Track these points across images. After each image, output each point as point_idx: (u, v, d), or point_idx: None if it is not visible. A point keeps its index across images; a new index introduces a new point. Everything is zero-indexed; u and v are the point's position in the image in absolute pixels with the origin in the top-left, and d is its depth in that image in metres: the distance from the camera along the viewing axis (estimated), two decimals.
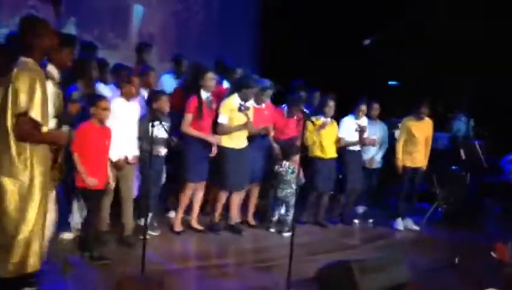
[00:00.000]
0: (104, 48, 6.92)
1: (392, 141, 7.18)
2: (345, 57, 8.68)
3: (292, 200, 6.14)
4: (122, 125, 4.89)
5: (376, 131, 7.02)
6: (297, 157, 6.13)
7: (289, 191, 6.15)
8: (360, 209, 7.16)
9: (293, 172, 6.13)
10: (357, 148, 6.82)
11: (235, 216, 6.07)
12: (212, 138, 5.61)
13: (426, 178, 7.24)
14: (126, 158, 4.95)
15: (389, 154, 7.09)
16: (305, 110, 6.30)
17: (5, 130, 3.16)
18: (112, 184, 4.78)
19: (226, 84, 6.43)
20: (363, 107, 6.73)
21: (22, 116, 3.14)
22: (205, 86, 5.56)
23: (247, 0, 10.31)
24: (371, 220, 7.05)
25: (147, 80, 5.67)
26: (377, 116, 7.08)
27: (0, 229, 3.21)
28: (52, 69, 3.75)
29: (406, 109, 7.27)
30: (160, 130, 5.10)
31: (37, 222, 3.30)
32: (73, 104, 4.15)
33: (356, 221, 7.00)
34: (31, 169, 3.24)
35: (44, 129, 3.28)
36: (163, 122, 4.77)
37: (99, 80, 5.41)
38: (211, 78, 5.57)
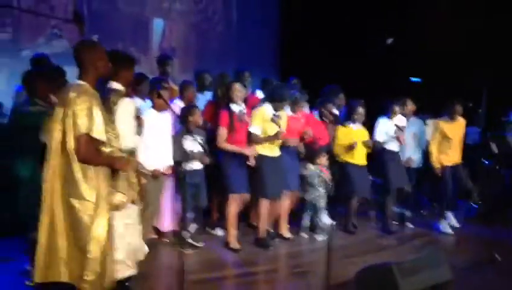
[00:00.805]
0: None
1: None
2: (365, 57, 8.64)
3: (321, 203, 6.08)
4: (155, 136, 4.91)
5: (413, 129, 6.84)
6: (323, 160, 6.10)
7: (317, 195, 6.09)
8: (397, 209, 7.00)
9: (319, 175, 6.08)
10: (395, 148, 6.58)
11: (269, 223, 5.96)
12: (247, 151, 5.51)
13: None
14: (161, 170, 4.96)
15: (425, 154, 6.94)
16: (334, 112, 6.23)
17: (69, 154, 3.25)
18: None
19: (260, 94, 6.40)
20: (396, 108, 6.56)
21: (83, 137, 3.22)
22: (233, 98, 5.51)
23: (266, 9, 10.33)
24: (411, 226, 6.85)
25: (187, 96, 5.69)
26: (413, 113, 6.92)
27: (76, 249, 3.30)
28: (120, 86, 3.80)
29: (430, 105, 7.19)
30: (195, 144, 5.16)
31: (107, 240, 3.36)
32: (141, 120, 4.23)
33: (395, 222, 6.80)
34: (97, 189, 3.31)
35: (106, 150, 3.38)
36: (197, 136, 4.77)
37: (135, 95, 5.43)
38: (238, 89, 5.52)
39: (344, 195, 6.45)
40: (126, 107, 3.70)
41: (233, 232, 5.56)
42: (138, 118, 4.28)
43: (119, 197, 3.61)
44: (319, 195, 6.09)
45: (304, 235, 6.17)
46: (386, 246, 5.98)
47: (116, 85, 3.81)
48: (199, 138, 4.95)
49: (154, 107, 5.01)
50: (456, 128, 6.70)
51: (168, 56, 6.90)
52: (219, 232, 6.03)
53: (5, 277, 4.37)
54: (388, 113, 6.59)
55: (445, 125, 6.66)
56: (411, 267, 4.03)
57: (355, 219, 6.67)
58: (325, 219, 6.12)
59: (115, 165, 3.48)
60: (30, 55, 7.07)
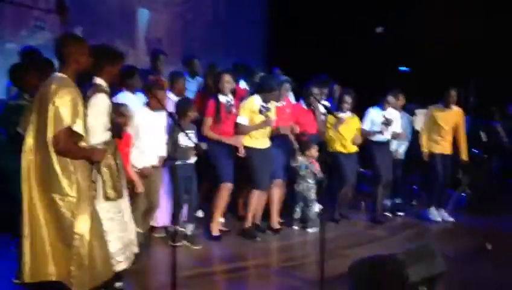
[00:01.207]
0: None
1: (411, 129, 7.04)
2: (354, 46, 8.60)
3: (311, 195, 6.07)
4: (148, 134, 4.81)
5: (402, 122, 6.84)
6: (313, 152, 6.05)
7: (305, 186, 6.08)
8: (388, 202, 7.01)
9: (306, 167, 6.05)
10: (384, 139, 6.57)
11: (259, 216, 5.95)
12: (232, 140, 5.52)
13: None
14: (152, 166, 4.86)
15: (412, 144, 6.93)
16: (325, 103, 6.17)
17: (47, 146, 3.18)
18: (140, 190, 4.68)
19: (242, 85, 6.32)
20: (391, 99, 6.54)
21: (64, 130, 3.16)
22: (222, 89, 5.48)
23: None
24: (401, 213, 6.90)
25: (177, 87, 5.61)
26: (401, 107, 6.91)
27: (61, 245, 3.25)
28: (102, 82, 3.70)
29: (418, 95, 7.18)
30: (189, 140, 5.02)
31: (93, 234, 3.30)
32: (123, 116, 4.13)
33: (388, 214, 6.84)
34: (77, 184, 3.26)
35: (83, 144, 3.32)
36: (188, 131, 4.68)
37: (126, 88, 5.32)
38: (227, 80, 5.49)
39: (335, 185, 6.44)
40: (98, 102, 3.57)
41: (218, 220, 5.59)
42: (122, 115, 4.20)
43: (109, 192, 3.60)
44: (308, 187, 6.07)
45: (296, 227, 6.14)
46: (377, 238, 5.97)
47: (99, 80, 3.71)
48: (190, 132, 4.86)
49: (148, 105, 4.90)
50: (449, 116, 6.68)
51: (162, 51, 6.74)
52: (200, 214, 6.01)
53: None
54: (380, 104, 6.58)
55: (438, 113, 6.66)
56: (405, 259, 3.99)
57: (346, 209, 6.67)
58: (316, 210, 6.09)
59: (93, 157, 3.43)
60: (13, 48, 6.96)
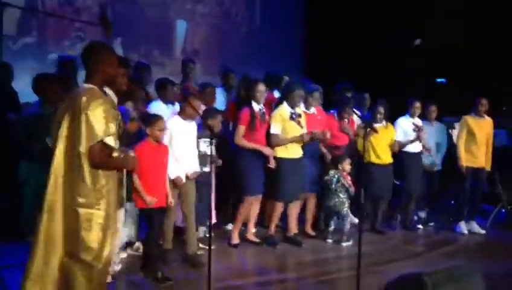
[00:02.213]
0: (150, 65, 6.92)
1: (449, 142, 6.92)
2: (393, 57, 8.52)
3: (343, 209, 6.00)
4: (181, 143, 4.87)
5: (434, 133, 6.76)
6: (345, 166, 6.00)
7: (337, 201, 6.01)
8: (422, 214, 6.91)
9: (338, 181, 5.98)
10: (416, 150, 6.54)
11: (293, 228, 5.95)
12: (266, 150, 5.53)
13: (488, 178, 6.93)
14: (186, 176, 4.91)
15: (448, 156, 6.82)
16: (357, 112, 6.12)
17: (79, 159, 3.11)
18: (172, 201, 4.73)
19: (277, 94, 6.34)
20: (417, 105, 6.53)
21: (97, 144, 3.10)
22: (256, 98, 5.51)
23: (289, 10, 10.25)
24: (431, 224, 6.83)
25: (207, 98, 5.66)
26: (435, 118, 6.83)
27: (75, 258, 3.18)
28: (109, 92, 3.74)
29: (456, 107, 7.04)
30: (208, 147, 5.13)
31: (112, 245, 3.31)
32: (132, 123, 4.12)
33: (420, 226, 6.77)
34: (107, 197, 3.21)
35: (115, 154, 3.25)
36: (205, 139, 4.72)
37: (160, 99, 5.42)
38: (261, 89, 5.52)
39: (370, 197, 6.40)
40: None
41: (237, 229, 5.67)
42: (130, 122, 4.23)
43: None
44: (340, 201, 6.00)
45: (329, 241, 6.08)
46: (414, 253, 5.87)
47: (106, 90, 3.69)
48: (207, 140, 4.89)
49: (180, 114, 4.95)
50: (482, 125, 6.60)
51: (191, 60, 6.83)
52: (229, 227, 6.06)
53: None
54: (408, 111, 6.53)
55: (471, 121, 6.57)
56: (443, 277, 3.91)
57: (381, 223, 6.58)
58: (348, 225, 6.02)
59: (127, 166, 3.42)
60: (55, 58, 7.15)
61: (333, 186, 6.00)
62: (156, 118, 4.56)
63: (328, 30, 9.38)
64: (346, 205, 6.01)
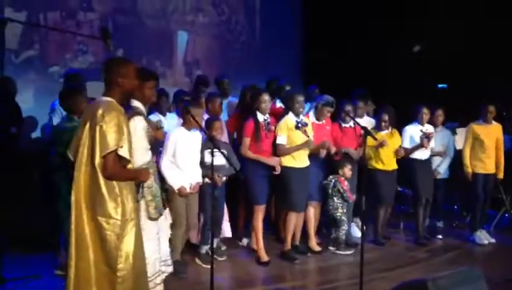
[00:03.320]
0: None
1: (453, 147, 6.92)
2: (392, 64, 8.54)
3: (337, 215, 5.98)
4: (184, 154, 4.90)
5: (439, 139, 6.71)
6: (346, 171, 6.00)
7: (331, 205, 6.00)
8: (440, 224, 6.84)
9: (334, 186, 5.98)
10: (425, 156, 6.46)
11: (298, 237, 5.92)
12: (271, 161, 5.53)
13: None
14: (190, 186, 4.94)
15: (454, 163, 6.80)
16: (366, 122, 6.14)
17: (96, 170, 3.22)
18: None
19: (279, 104, 6.37)
20: (425, 111, 6.44)
21: (110, 154, 3.20)
22: (260, 108, 5.52)
23: (289, 18, 10.29)
24: (440, 236, 6.70)
25: (214, 109, 5.65)
26: (441, 123, 6.80)
27: (105, 267, 3.28)
28: (138, 104, 3.82)
29: (458, 113, 7.05)
30: (216, 157, 5.09)
31: (136, 255, 3.34)
32: (159, 132, 4.19)
33: (440, 236, 6.68)
34: (122, 206, 3.28)
35: (129, 166, 3.37)
36: (222, 150, 4.72)
37: (156, 110, 5.47)
38: (265, 100, 5.53)
39: (372, 204, 6.33)
40: (136, 125, 3.66)
41: (261, 245, 5.57)
42: (157, 130, 4.26)
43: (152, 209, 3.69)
44: (333, 205, 5.99)
45: (331, 248, 6.07)
46: (418, 260, 5.85)
47: (136, 103, 3.80)
48: (221, 151, 4.91)
49: (184, 124, 4.99)
50: (490, 132, 6.56)
51: (206, 80, 6.75)
52: (245, 241, 6.07)
53: None
54: (417, 119, 6.49)
55: (479, 128, 6.54)
56: (448, 283, 3.91)
57: (385, 229, 6.57)
58: (353, 232, 6.01)
59: (140, 177, 3.51)
60: (57, 71, 7.21)
61: (330, 191, 6.00)
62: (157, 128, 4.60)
63: (327, 38, 9.41)
64: (340, 210, 5.97)
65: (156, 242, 3.82)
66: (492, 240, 6.54)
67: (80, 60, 7.49)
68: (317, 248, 5.97)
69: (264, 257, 5.53)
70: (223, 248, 5.71)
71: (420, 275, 4.18)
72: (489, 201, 6.66)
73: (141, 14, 8.40)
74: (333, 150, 5.93)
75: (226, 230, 5.77)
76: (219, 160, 4.87)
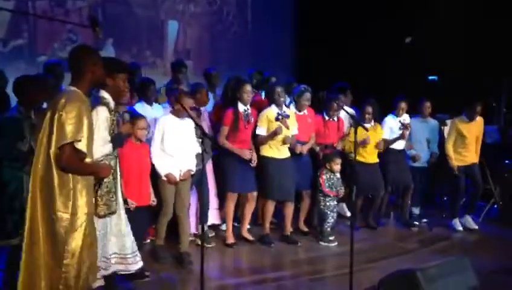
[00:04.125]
0: (142, 66, 6.91)
1: (441, 139, 6.96)
2: (383, 56, 8.54)
3: (322, 209, 5.98)
4: (172, 141, 4.90)
5: (426, 130, 6.78)
6: (333, 165, 5.99)
7: (317, 199, 6.03)
8: (416, 210, 6.93)
9: (316, 180, 6.01)
10: (399, 147, 6.58)
11: (288, 227, 5.97)
12: (241, 152, 5.55)
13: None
14: (180, 173, 4.94)
15: (440, 153, 6.85)
16: (350, 113, 6.12)
17: (50, 161, 3.12)
18: (155, 201, 4.83)
19: (264, 95, 6.37)
20: (403, 105, 6.55)
21: (67, 146, 3.08)
22: (242, 99, 5.54)
23: (281, 9, 10.26)
24: (424, 220, 6.83)
25: (200, 99, 5.62)
26: (429, 114, 6.85)
27: (53, 262, 3.18)
28: (106, 95, 3.74)
29: (447, 104, 7.08)
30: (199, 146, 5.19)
31: (87, 253, 3.26)
32: (125, 124, 4.14)
33: (416, 223, 6.76)
34: (74, 200, 3.17)
35: (87, 160, 3.24)
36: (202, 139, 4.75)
37: (143, 99, 5.43)
38: (248, 90, 5.55)
39: (358, 195, 6.37)
40: (97, 116, 3.58)
41: (230, 228, 5.70)
42: (123, 124, 4.21)
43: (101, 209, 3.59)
44: (317, 199, 6.02)
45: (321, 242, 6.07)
46: (407, 250, 5.88)
47: (103, 93, 3.73)
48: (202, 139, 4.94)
49: (173, 112, 4.98)
50: (473, 127, 6.63)
51: (181, 62, 6.72)
52: (224, 227, 6.08)
53: None
54: (394, 111, 6.59)
55: (462, 125, 6.60)
56: (436, 273, 3.94)
57: (373, 220, 6.60)
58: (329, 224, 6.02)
59: (100, 173, 3.39)
60: (46, 60, 7.13)
61: (317, 184, 6.03)
62: (137, 117, 4.61)
63: (319, 29, 9.39)
64: (322, 203, 5.98)
65: (99, 238, 3.63)
66: (475, 226, 6.65)
67: (68, 49, 7.40)
68: (305, 229, 6.18)
69: (230, 239, 5.67)
70: (211, 234, 5.79)
71: (409, 265, 4.20)
72: (481, 189, 6.72)
73: (131, 2, 8.34)
74: (298, 148, 5.89)
75: (214, 217, 5.84)
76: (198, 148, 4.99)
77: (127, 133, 4.14)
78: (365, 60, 8.63)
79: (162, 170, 4.85)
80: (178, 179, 4.91)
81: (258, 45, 9.75)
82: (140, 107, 5.41)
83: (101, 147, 3.57)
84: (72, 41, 7.46)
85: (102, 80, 3.56)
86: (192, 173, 5.05)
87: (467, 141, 6.58)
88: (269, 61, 8.79)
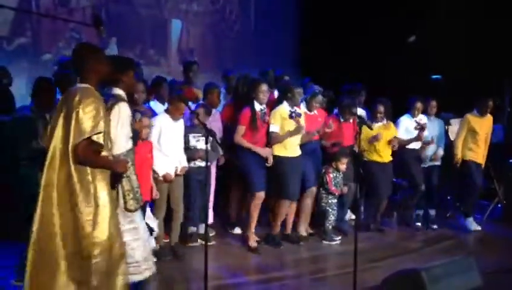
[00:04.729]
0: (146, 65, 6.93)
1: (446, 138, 6.93)
2: (387, 54, 8.53)
3: (324, 207, 5.98)
4: (169, 140, 4.94)
5: (431, 129, 6.70)
6: (340, 165, 5.99)
7: (320, 196, 6.01)
8: (432, 211, 6.83)
9: (322, 177, 5.99)
10: (416, 146, 6.50)
11: (291, 226, 5.94)
12: (262, 151, 5.53)
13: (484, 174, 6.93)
14: (175, 171, 4.98)
15: (446, 152, 6.82)
16: (359, 114, 6.10)
17: (67, 157, 3.15)
18: (158, 194, 4.81)
19: (276, 94, 6.35)
20: (419, 105, 6.47)
21: (84, 140, 3.12)
22: (258, 98, 5.50)
23: (284, 6, 10.26)
24: (435, 226, 6.69)
25: (211, 98, 5.65)
26: (434, 113, 6.81)
27: (78, 256, 3.19)
28: (120, 92, 3.75)
29: (450, 103, 7.08)
30: (199, 142, 5.25)
31: (113, 241, 3.27)
32: (139, 122, 4.19)
33: (418, 224, 6.71)
34: (95, 193, 3.21)
35: (104, 153, 3.28)
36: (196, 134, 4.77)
37: (156, 98, 5.44)
38: (264, 90, 5.50)
39: (370, 196, 6.43)
40: (120, 112, 3.59)
41: (253, 229, 5.62)
42: (140, 121, 4.24)
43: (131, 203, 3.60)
44: (320, 196, 6.00)
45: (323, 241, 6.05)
46: (411, 250, 5.87)
47: (117, 91, 3.74)
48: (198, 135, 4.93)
49: (168, 112, 5.00)
50: (484, 124, 6.63)
51: (194, 62, 6.74)
52: (237, 230, 6.10)
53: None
54: (409, 111, 6.52)
55: (474, 120, 6.60)
56: (441, 272, 3.93)
57: (379, 220, 6.58)
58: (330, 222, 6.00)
59: (115, 167, 3.40)
60: (50, 59, 7.15)
61: (320, 180, 6.01)
62: (142, 115, 4.61)
63: (323, 26, 9.38)
64: (325, 201, 5.97)
65: (136, 231, 3.70)
66: (478, 228, 6.59)
67: (72, 48, 7.41)
68: (304, 233, 6.01)
69: (254, 243, 5.58)
70: (211, 233, 5.77)
71: (413, 265, 4.19)
72: (481, 190, 6.71)
73: (135, 2, 8.35)
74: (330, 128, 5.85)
75: (210, 216, 5.81)
76: (202, 144, 5.06)
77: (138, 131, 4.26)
78: (368, 57, 8.61)
79: (160, 170, 4.87)
80: (173, 176, 4.95)
81: (261, 43, 9.75)
82: (153, 106, 5.43)
83: (124, 143, 3.60)
84: (75, 39, 7.46)
85: (114, 77, 3.61)
86: (186, 169, 5.10)
87: (478, 138, 6.57)
88: (272, 58, 8.78)
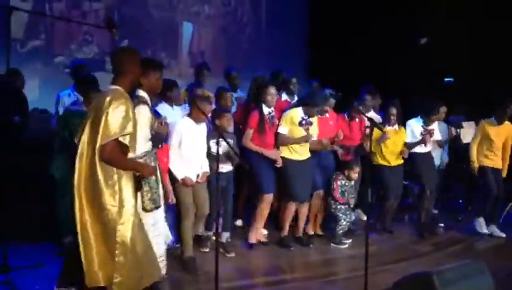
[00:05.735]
0: None
1: (457, 141, 6.88)
2: (398, 57, 8.50)
3: (334, 212, 5.97)
4: (190, 144, 4.88)
5: (439, 132, 6.70)
6: (352, 174, 5.99)
7: (329, 201, 6.01)
8: (434, 211, 6.86)
9: (331, 183, 5.99)
10: (425, 150, 6.44)
11: (302, 228, 5.95)
12: (270, 153, 5.54)
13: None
14: (197, 176, 4.94)
15: (455, 156, 6.79)
16: (370, 116, 6.09)
17: (95, 157, 3.24)
18: (174, 199, 4.76)
19: (284, 96, 6.34)
20: (433, 117, 6.39)
21: (111, 140, 3.21)
22: (266, 101, 5.51)
23: (295, 10, 10.26)
24: (441, 225, 6.72)
25: (224, 103, 5.69)
26: (443, 119, 6.80)
27: (107, 253, 3.31)
28: (144, 94, 3.81)
29: (460, 106, 7.07)
30: (221, 147, 5.13)
31: (136, 241, 3.34)
32: (163, 125, 4.22)
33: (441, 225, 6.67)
34: (120, 193, 3.29)
35: (130, 155, 3.37)
36: (227, 140, 4.72)
37: (165, 101, 5.46)
38: (271, 92, 5.51)
39: (378, 198, 6.44)
40: (140, 114, 3.64)
41: (256, 230, 5.66)
42: (160, 124, 4.26)
43: (147, 204, 3.64)
44: (329, 201, 6.01)
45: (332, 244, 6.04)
46: (422, 253, 5.84)
47: (142, 92, 3.80)
48: (229, 141, 4.91)
49: (190, 116, 4.95)
50: (501, 132, 6.53)
51: (204, 65, 6.79)
52: (238, 222, 6.16)
53: (40, 282, 4.38)
54: (423, 118, 6.42)
55: (490, 128, 6.51)
56: (452, 276, 3.89)
57: (390, 223, 6.55)
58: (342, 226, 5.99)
59: (141, 170, 3.46)
60: (63, 62, 7.21)
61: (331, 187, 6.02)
62: (159, 116, 4.61)
63: (333, 29, 9.38)
64: (333, 206, 5.96)
65: (153, 230, 3.76)
66: (502, 235, 6.48)
67: (84, 50, 7.51)
68: (311, 232, 6.04)
69: (253, 239, 5.64)
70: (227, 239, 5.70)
71: (424, 268, 4.16)
72: (503, 197, 6.62)
73: (147, 4, 8.38)
74: (341, 136, 5.92)
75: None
76: (222, 150, 4.98)
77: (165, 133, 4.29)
78: (374, 59, 8.60)
79: (179, 174, 4.81)
80: (195, 181, 4.89)
81: (272, 44, 9.77)
82: (161, 109, 5.42)
83: (142, 145, 3.63)
84: (88, 42, 7.53)
85: (142, 81, 3.73)
86: (208, 174, 5.03)
87: (494, 145, 6.49)
88: (283, 60, 8.78)
